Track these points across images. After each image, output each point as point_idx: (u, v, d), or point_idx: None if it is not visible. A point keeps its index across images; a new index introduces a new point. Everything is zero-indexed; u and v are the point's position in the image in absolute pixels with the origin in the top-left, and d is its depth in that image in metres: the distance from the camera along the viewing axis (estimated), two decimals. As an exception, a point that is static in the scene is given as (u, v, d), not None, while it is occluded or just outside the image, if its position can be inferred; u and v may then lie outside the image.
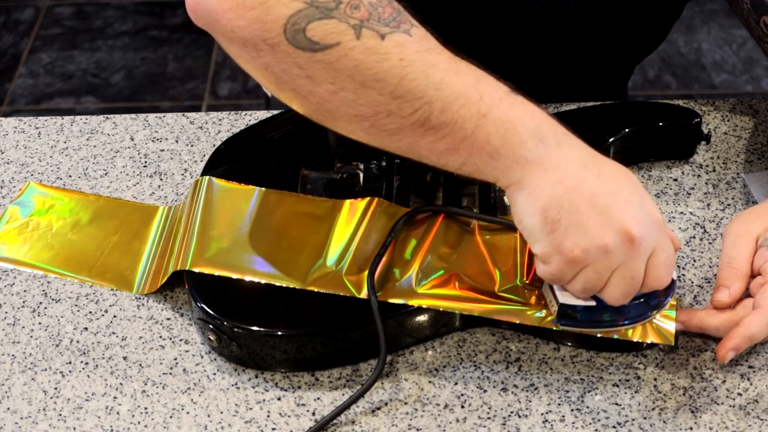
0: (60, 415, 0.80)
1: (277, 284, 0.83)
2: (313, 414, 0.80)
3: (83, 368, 0.83)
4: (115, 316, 0.87)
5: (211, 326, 0.82)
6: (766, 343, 0.84)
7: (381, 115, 0.75)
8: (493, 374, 0.82)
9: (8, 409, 0.81)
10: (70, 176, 1.00)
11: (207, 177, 0.91)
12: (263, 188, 0.90)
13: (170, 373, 0.83)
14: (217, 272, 0.84)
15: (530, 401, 0.81)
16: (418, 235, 0.86)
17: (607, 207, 0.74)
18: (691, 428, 0.79)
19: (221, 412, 0.80)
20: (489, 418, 0.79)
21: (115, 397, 0.81)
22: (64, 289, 0.90)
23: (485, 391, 0.81)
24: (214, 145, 1.02)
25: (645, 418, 0.79)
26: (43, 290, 0.90)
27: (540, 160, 0.74)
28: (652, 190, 0.97)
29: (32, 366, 0.84)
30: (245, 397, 0.81)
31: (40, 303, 0.88)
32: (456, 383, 0.82)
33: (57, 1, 2.75)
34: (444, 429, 0.79)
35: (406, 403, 0.81)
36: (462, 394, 0.81)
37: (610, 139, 0.95)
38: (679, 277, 0.89)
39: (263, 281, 0.83)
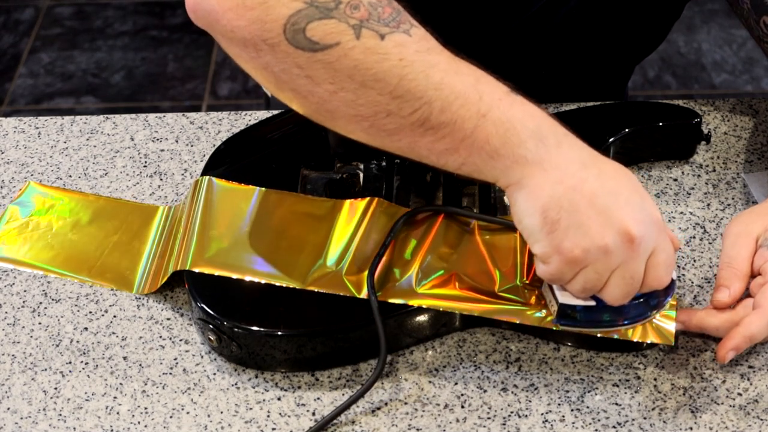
0: (60, 415, 0.80)
1: (277, 284, 0.83)
2: (313, 414, 0.80)
3: (83, 368, 0.83)
4: (115, 316, 0.87)
5: (211, 326, 0.82)
6: (766, 343, 0.84)
7: (380, 115, 0.75)
8: (493, 374, 0.82)
9: (8, 409, 0.81)
10: (70, 176, 1.00)
11: (207, 177, 0.91)
12: (263, 188, 0.90)
13: (170, 373, 0.83)
14: (217, 272, 0.84)
15: (530, 401, 0.81)
16: (418, 235, 0.86)
17: (607, 207, 0.74)
18: (691, 428, 0.79)
19: (221, 412, 0.80)
20: (489, 418, 0.79)
21: (115, 397, 0.81)
22: (64, 289, 0.90)
23: (485, 391, 0.81)
24: (214, 145, 1.02)
25: (645, 418, 0.79)
26: (43, 290, 0.90)
27: (540, 160, 0.74)
28: (652, 190, 0.97)
29: (32, 366, 0.84)
30: (245, 397, 0.81)
31: (40, 303, 0.88)
32: (456, 383, 0.82)
33: (57, 1, 2.75)
34: (444, 429, 0.79)
35: (406, 403, 0.81)
36: (462, 394, 0.81)
37: (610, 139, 0.95)
38: (679, 277, 0.89)
39: (263, 281, 0.83)
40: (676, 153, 1.00)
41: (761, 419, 0.79)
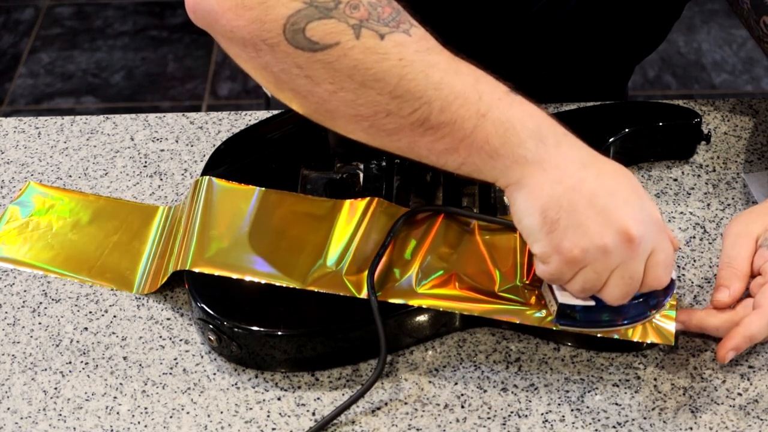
0: (60, 415, 0.80)
1: (277, 284, 0.83)
2: (313, 414, 0.80)
3: (83, 368, 0.83)
4: (115, 316, 0.87)
5: (211, 326, 0.82)
6: (766, 343, 0.84)
7: (380, 115, 0.75)
8: (493, 374, 0.82)
9: (8, 409, 0.81)
10: (70, 176, 1.00)
11: (207, 177, 0.91)
12: (263, 188, 0.90)
13: (170, 373, 0.83)
14: (217, 272, 0.84)
15: (530, 401, 0.81)
16: (418, 235, 0.86)
17: (606, 207, 0.74)
18: (691, 428, 0.79)
19: (221, 412, 0.80)
20: (489, 418, 0.79)
21: (115, 397, 0.81)
22: (64, 289, 0.90)
23: (485, 391, 0.81)
24: (214, 145, 1.02)
25: (645, 418, 0.79)
26: (43, 290, 0.90)
27: (539, 160, 0.74)
28: (652, 190, 0.97)
29: (32, 366, 0.84)
30: (245, 397, 0.81)
31: (40, 303, 0.88)
32: (456, 383, 0.82)
33: (57, 1, 2.75)
34: (444, 429, 0.79)
35: (406, 403, 0.81)
36: (462, 394, 0.81)
37: (610, 139, 0.95)
38: (679, 277, 0.89)
39: (263, 281, 0.83)
40: (676, 153, 1.00)
41: (761, 419, 0.79)
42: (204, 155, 1.01)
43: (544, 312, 0.81)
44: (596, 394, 0.81)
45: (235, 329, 0.81)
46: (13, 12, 2.72)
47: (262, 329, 0.81)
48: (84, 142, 1.03)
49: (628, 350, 0.83)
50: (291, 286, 0.83)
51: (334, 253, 0.85)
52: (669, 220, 0.94)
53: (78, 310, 0.88)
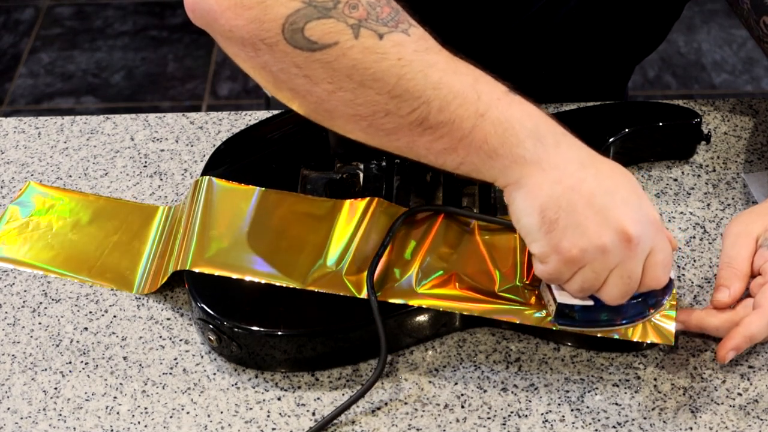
0: (60, 415, 0.80)
1: (277, 284, 0.83)
2: (313, 414, 0.80)
3: (83, 368, 0.83)
4: (115, 316, 0.87)
5: (211, 326, 0.82)
6: (766, 343, 0.84)
7: (379, 115, 0.75)
8: (493, 374, 0.82)
9: (8, 409, 0.81)
10: (70, 176, 1.00)
11: (207, 177, 0.91)
12: (263, 188, 0.90)
13: (170, 373, 0.83)
14: (217, 272, 0.84)
15: (530, 401, 0.81)
16: (418, 235, 0.86)
17: (605, 207, 0.74)
18: (691, 428, 0.79)
19: (221, 412, 0.80)
20: (489, 418, 0.79)
21: (115, 397, 0.81)
22: (64, 289, 0.90)
23: (485, 391, 0.81)
24: (214, 145, 1.02)
25: (645, 418, 0.79)
26: (43, 290, 0.90)
27: (538, 160, 0.74)
28: (652, 190, 0.97)
29: (32, 366, 0.84)
30: (245, 397, 0.81)
31: (40, 303, 0.88)
32: (456, 383, 0.82)
33: (57, 1, 2.75)
34: (444, 429, 0.79)
35: (406, 403, 0.81)
36: (462, 394, 0.81)
37: (610, 139, 0.95)
38: (679, 277, 0.89)
39: (263, 281, 0.83)
40: (676, 153, 1.00)
41: (761, 419, 0.79)
42: (204, 155, 1.01)
43: (543, 312, 0.81)
44: (596, 394, 0.81)
45: (235, 329, 0.81)
46: (13, 12, 2.72)
47: (262, 329, 0.81)
48: (84, 142, 1.03)
49: (628, 350, 0.83)
50: (291, 286, 0.83)
51: (334, 253, 0.85)
52: (669, 220, 0.94)
53: (78, 310, 0.88)
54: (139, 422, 0.80)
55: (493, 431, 0.79)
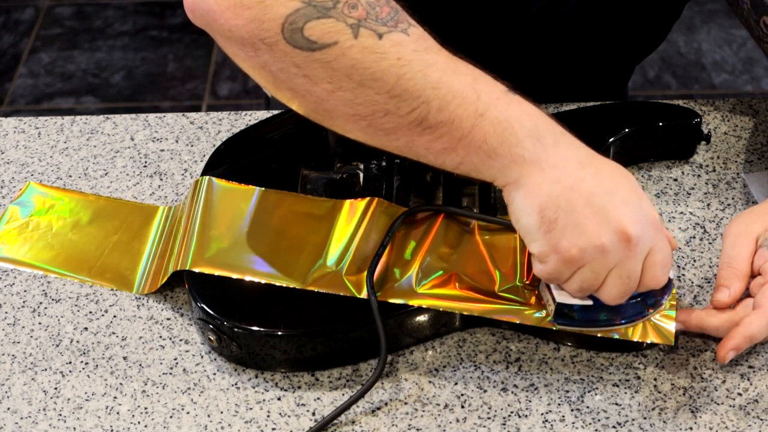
0: (60, 415, 0.80)
1: (277, 284, 0.83)
2: (313, 414, 0.80)
3: (83, 368, 0.83)
4: (115, 316, 0.87)
5: (211, 326, 0.82)
6: (766, 343, 0.84)
7: (378, 114, 0.75)
8: (493, 374, 0.82)
9: (8, 409, 0.81)
10: (70, 176, 1.00)
11: (207, 177, 0.91)
12: (263, 188, 0.90)
13: (170, 373, 0.83)
14: (217, 272, 0.84)
15: (530, 401, 0.80)
16: (418, 235, 0.86)
17: (604, 206, 0.74)
18: (691, 428, 0.79)
19: (221, 412, 0.80)
20: (489, 418, 0.79)
21: (115, 397, 0.81)
22: (64, 289, 0.90)
23: (485, 391, 0.81)
24: (214, 145, 1.02)
25: (645, 418, 0.79)
26: (43, 290, 0.90)
27: (537, 160, 0.74)
28: (652, 190, 0.97)
29: (32, 366, 0.84)
30: (245, 397, 0.81)
31: (40, 303, 0.88)
32: (456, 383, 0.82)
33: (57, 1, 2.75)
34: (444, 429, 0.79)
35: (406, 403, 0.81)
36: (462, 394, 0.81)
37: (610, 139, 0.95)
38: (679, 277, 0.89)
39: (263, 281, 0.83)
40: (676, 153, 1.00)
41: (761, 419, 0.79)
42: (204, 155, 1.01)
43: (543, 312, 0.81)
44: (596, 394, 0.81)
45: (235, 329, 0.81)
46: (13, 12, 2.72)
47: (262, 329, 0.81)
48: (84, 142, 1.03)
49: (628, 350, 0.83)
50: (291, 286, 0.83)
51: (334, 253, 0.85)
52: (669, 220, 0.94)
53: (78, 310, 0.88)
54: (139, 422, 0.80)
55: (493, 431, 0.79)
